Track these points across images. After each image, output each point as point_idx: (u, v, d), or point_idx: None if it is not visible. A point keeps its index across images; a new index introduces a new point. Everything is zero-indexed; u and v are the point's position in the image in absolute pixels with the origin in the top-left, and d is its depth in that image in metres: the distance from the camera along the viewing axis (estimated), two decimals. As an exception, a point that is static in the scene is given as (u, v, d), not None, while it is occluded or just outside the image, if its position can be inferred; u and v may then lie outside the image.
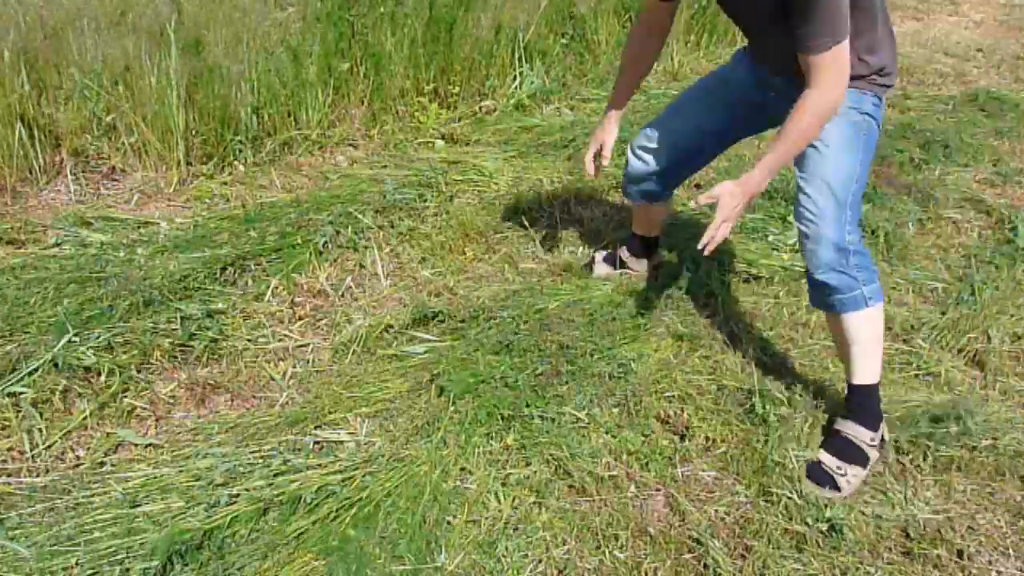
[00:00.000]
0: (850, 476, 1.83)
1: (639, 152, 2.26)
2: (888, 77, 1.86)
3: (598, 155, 2.24)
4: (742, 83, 2.08)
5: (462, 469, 1.83)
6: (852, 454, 1.86)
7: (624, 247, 2.60)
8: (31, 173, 3.00)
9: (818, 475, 1.83)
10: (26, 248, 2.61)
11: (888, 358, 2.27)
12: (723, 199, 1.71)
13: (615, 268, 2.59)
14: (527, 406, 1.97)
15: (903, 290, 2.62)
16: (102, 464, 1.83)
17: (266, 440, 1.89)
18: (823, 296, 1.86)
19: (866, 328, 1.87)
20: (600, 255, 2.64)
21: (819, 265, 1.81)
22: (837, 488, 1.81)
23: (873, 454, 1.88)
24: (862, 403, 1.91)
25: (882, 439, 1.91)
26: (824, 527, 1.71)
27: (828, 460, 1.85)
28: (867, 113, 1.84)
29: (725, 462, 1.89)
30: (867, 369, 1.91)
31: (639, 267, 2.60)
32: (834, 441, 1.89)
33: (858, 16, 1.68)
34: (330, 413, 1.99)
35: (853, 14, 1.64)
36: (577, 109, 4.01)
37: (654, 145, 2.22)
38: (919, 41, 5.57)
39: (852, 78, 1.71)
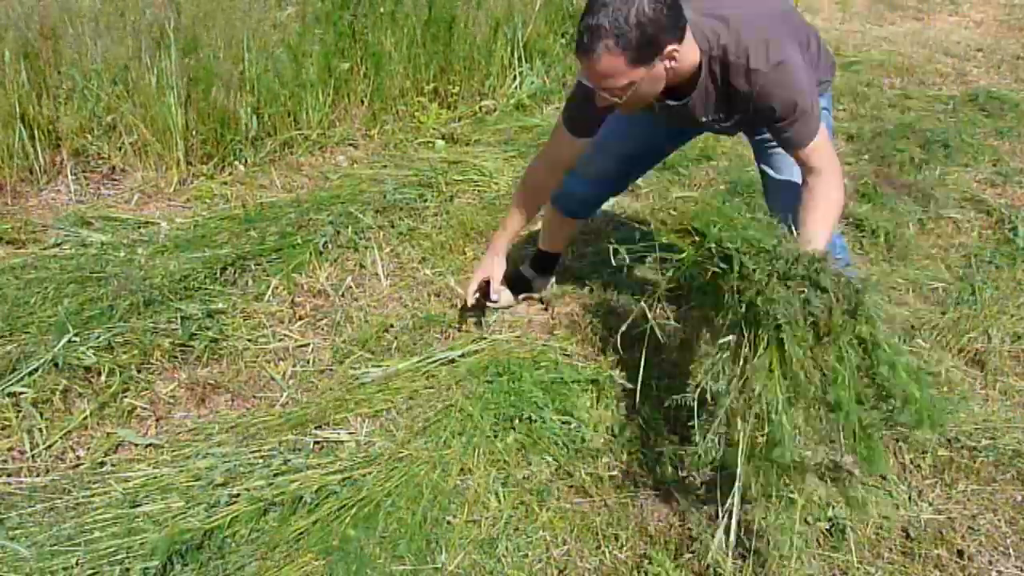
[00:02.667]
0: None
1: (577, 174, 2.13)
2: (830, 74, 1.92)
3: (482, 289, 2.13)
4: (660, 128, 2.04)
5: (462, 469, 1.83)
6: None
7: (528, 266, 2.48)
8: (31, 173, 3.00)
9: (836, 471, 1.83)
10: (26, 248, 2.61)
11: (888, 358, 2.27)
12: None
13: (518, 294, 2.45)
14: (530, 406, 1.97)
15: (903, 290, 2.61)
16: (102, 464, 1.83)
17: (266, 440, 1.89)
18: None
19: None
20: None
21: None
22: (852, 475, 1.82)
23: None
24: None
25: None
26: (825, 527, 1.71)
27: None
28: (824, 108, 1.88)
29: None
30: None
31: (544, 285, 2.48)
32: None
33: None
34: (330, 413, 1.99)
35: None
36: (577, 109, 4.01)
37: (591, 169, 2.13)
38: (919, 41, 5.57)
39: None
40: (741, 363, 1.49)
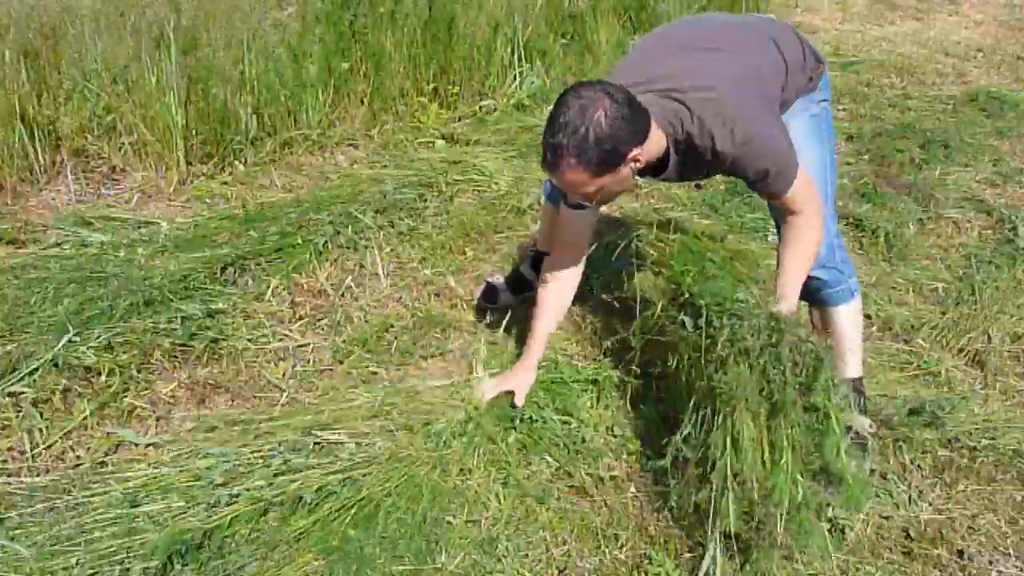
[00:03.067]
0: (864, 466, 1.85)
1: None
2: (820, 66, 1.88)
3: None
4: None
5: (462, 469, 1.83)
6: (861, 447, 1.88)
7: (528, 266, 2.44)
8: (31, 173, 3.00)
9: None
10: (26, 248, 2.61)
11: (888, 358, 2.28)
12: None
13: (518, 295, 2.43)
14: (530, 406, 1.97)
15: (903, 290, 2.61)
16: (102, 464, 1.83)
17: (266, 440, 1.88)
18: (813, 292, 1.88)
19: (853, 320, 1.93)
20: (500, 283, 2.46)
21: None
22: None
23: (870, 442, 1.91)
24: (857, 395, 1.93)
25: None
26: (825, 527, 1.71)
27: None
28: (823, 100, 1.88)
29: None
30: (857, 361, 1.96)
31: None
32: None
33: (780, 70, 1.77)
34: (330, 413, 1.98)
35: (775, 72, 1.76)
36: (577, 109, 4.00)
37: None
38: (919, 41, 5.57)
39: (800, 91, 1.82)
40: (704, 433, 1.57)
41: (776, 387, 1.49)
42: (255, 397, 2.08)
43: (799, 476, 1.48)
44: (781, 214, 1.77)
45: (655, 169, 1.75)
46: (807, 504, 1.49)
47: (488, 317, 2.39)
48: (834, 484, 1.50)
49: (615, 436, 1.94)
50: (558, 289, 1.99)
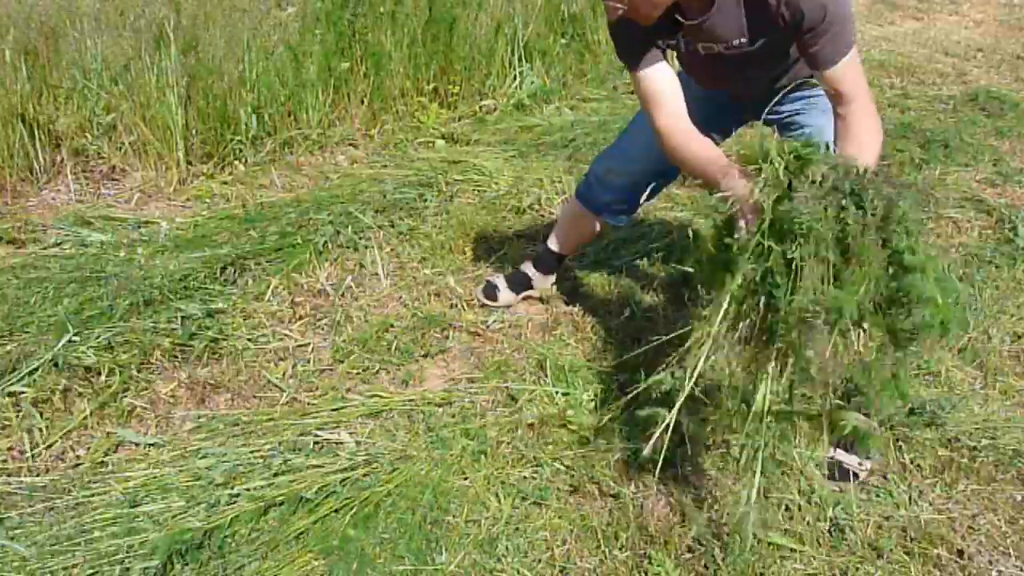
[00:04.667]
0: (866, 465, 1.86)
1: (607, 176, 2.12)
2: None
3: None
4: (708, 105, 1.89)
5: (463, 469, 1.83)
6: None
7: (531, 264, 2.45)
8: (31, 173, 3.00)
9: (840, 474, 1.84)
10: (26, 248, 2.61)
11: (888, 358, 2.27)
12: None
13: (518, 293, 2.44)
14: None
15: (903, 290, 2.61)
16: (102, 464, 1.83)
17: (266, 440, 1.89)
18: None
19: None
20: (500, 281, 2.46)
21: None
22: (856, 477, 1.85)
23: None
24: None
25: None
26: (825, 527, 1.71)
27: (847, 458, 1.86)
28: None
29: (726, 461, 1.89)
30: None
31: (545, 285, 2.45)
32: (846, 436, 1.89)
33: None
34: (331, 413, 1.98)
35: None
36: (577, 109, 4.01)
37: (623, 167, 2.09)
38: (919, 41, 5.57)
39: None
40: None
41: (853, 231, 1.34)
42: (255, 397, 2.08)
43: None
44: (832, 106, 1.62)
45: (699, 6, 1.61)
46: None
47: (488, 316, 2.39)
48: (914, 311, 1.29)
49: (615, 436, 1.94)
50: (696, 133, 1.73)
